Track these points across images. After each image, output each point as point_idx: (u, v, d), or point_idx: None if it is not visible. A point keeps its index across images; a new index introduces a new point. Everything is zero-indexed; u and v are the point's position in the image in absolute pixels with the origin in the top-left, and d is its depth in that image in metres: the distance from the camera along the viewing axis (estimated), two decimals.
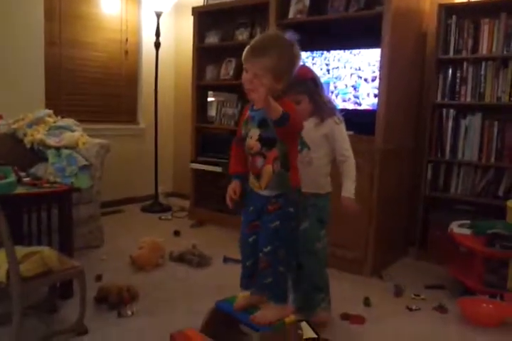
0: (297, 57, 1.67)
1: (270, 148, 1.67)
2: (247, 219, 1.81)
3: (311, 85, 2.02)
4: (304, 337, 1.88)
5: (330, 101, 2.11)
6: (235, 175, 1.83)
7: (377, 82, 2.80)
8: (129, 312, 2.19)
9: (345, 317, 2.21)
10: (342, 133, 2.05)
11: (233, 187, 1.80)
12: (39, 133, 3.15)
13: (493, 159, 2.90)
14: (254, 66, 1.61)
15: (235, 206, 1.81)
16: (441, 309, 2.36)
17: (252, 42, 1.64)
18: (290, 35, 1.66)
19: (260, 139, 1.68)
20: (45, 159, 3.06)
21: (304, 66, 2.17)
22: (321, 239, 2.10)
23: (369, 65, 2.89)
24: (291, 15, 3.28)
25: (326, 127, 2.03)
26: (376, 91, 2.81)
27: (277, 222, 1.69)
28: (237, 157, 1.82)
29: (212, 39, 3.95)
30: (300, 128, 1.69)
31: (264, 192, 1.70)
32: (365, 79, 2.92)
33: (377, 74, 2.81)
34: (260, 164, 1.70)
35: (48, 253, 1.87)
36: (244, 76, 1.64)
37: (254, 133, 1.69)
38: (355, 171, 2.05)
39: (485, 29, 2.89)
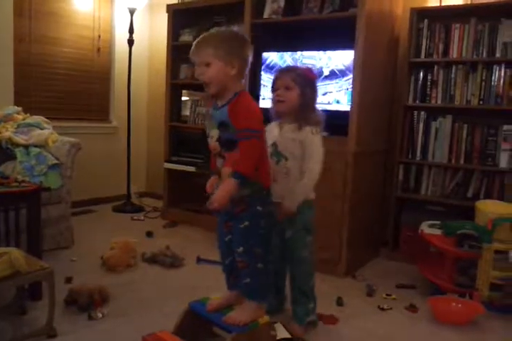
0: (242, 40, 1.68)
1: (230, 150, 1.65)
2: (222, 219, 1.81)
3: (308, 84, 2.00)
4: (278, 338, 1.88)
5: (317, 113, 2.05)
6: (212, 171, 1.83)
7: (350, 83, 2.83)
8: (100, 315, 2.15)
9: (319, 317, 2.22)
10: (315, 145, 1.99)
11: (210, 182, 1.81)
12: (7, 131, 3.07)
13: (462, 161, 2.96)
14: (200, 56, 1.64)
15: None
16: (412, 308, 2.40)
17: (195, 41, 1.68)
18: (236, 28, 1.72)
19: (219, 140, 1.67)
20: (14, 157, 2.98)
21: (309, 67, 2.18)
22: (308, 246, 2.08)
23: (342, 66, 2.91)
24: (266, 15, 3.28)
25: (302, 135, 1.98)
26: (349, 93, 2.83)
27: (246, 222, 1.69)
28: None
29: (186, 37, 3.92)
30: (257, 150, 1.62)
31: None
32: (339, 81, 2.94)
33: (350, 75, 2.84)
34: (220, 165, 1.71)
35: (15, 254, 1.82)
36: (196, 70, 1.67)
37: (214, 133, 1.69)
38: (310, 185, 2.00)
39: (455, 33, 2.94)
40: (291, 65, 2.16)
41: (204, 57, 1.63)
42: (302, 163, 2.00)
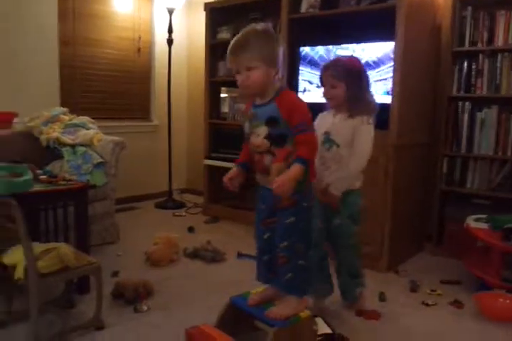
0: (271, 35, 1.65)
1: (281, 145, 1.65)
2: (259, 217, 1.81)
3: (354, 76, 2.00)
4: (319, 333, 1.87)
5: (369, 100, 2.05)
6: (237, 164, 1.84)
7: (391, 76, 2.77)
8: (145, 308, 2.21)
9: (360, 313, 2.20)
10: (363, 135, 2.00)
11: (230, 174, 1.83)
12: (54, 131, 3.18)
13: (509, 152, 2.85)
14: (239, 62, 1.63)
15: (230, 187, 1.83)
16: (457, 304, 2.34)
17: (229, 46, 1.66)
18: (260, 25, 1.68)
19: (269, 137, 1.66)
20: (61, 157, 3.09)
21: (353, 57, 2.17)
22: (353, 235, 2.11)
23: (375, 58, 2.85)
24: (303, 9, 3.26)
25: (353, 123, 2.00)
26: (390, 85, 2.77)
27: (293, 217, 1.69)
28: (245, 150, 1.84)
29: (224, 34, 3.94)
30: (316, 142, 1.65)
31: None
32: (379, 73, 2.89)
33: (391, 68, 2.78)
34: (268, 162, 1.69)
35: (64, 249, 1.89)
36: (238, 77, 1.66)
37: (261, 131, 1.67)
38: (354, 172, 2.02)
39: (500, 20, 2.83)
40: (334, 58, 2.14)
41: (245, 62, 1.62)
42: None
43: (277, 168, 1.66)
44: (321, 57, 3.13)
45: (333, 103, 2.05)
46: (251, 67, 1.61)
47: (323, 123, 2.08)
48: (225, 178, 1.83)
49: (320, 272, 2.19)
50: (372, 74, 2.87)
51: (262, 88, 1.65)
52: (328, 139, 2.03)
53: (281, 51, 1.66)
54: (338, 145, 2.01)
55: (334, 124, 2.05)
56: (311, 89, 3.20)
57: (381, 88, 2.85)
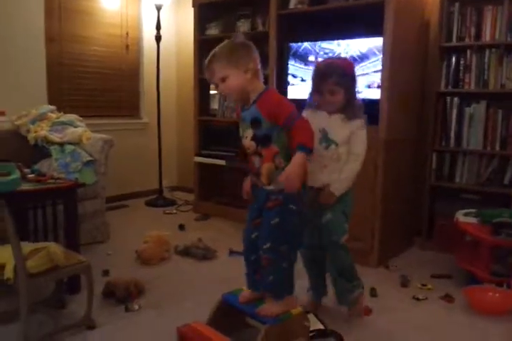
0: (245, 46, 1.72)
1: (267, 146, 1.68)
2: (250, 216, 1.82)
3: (349, 79, 2.00)
4: (311, 329, 1.88)
5: (360, 102, 2.06)
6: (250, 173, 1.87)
7: (373, 71, 2.78)
8: (136, 307, 2.20)
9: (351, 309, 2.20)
10: (362, 138, 2.02)
11: (246, 186, 1.87)
12: (42, 130, 3.15)
13: (498, 147, 2.88)
14: (215, 74, 1.70)
15: (248, 197, 1.86)
16: (448, 298, 2.36)
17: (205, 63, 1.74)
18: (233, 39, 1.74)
19: (254, 138, 1.70)
20: (49, 155, 3.06)
21: (346, 59, 2.15)
22: (345, 232, 2.08)
23: (367, 53, 2.85)
24: (291, 5, 3.25)
25: (352, 126, 2.00)
26: (379, 81, 2.78)
27: (277, 218, 1.69)
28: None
29: (213, 31, 3.92)
30: (309, 126, 1.67)
31: (270, 187, 1.70)
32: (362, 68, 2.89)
33: (374, 62, 2.79)
34: (257, 163, 1.72)
35: (54, 248, 1.88)
36: (217, 88, 1.74)
37: (249, 133, 1.72)
38: (353, 174, 2.02)
39: (488, 16, 2.85)
40: (328, 62, 2.08)
41: (219, 74, 1.69)
42: (348, 151, 2.03)
43: (266, 168, 1.68)
44: (306, 50, 3.13)
45: (332, 109, 2.01)
46: (224, 77, 1.68)
47: (316, 121, 1.99)
48: (246, 194, 1.88)
49: (319, 272, 2.20)
50: (356, 69, 2.87)
51: (243, 92, 1.70)
52: (326, 138, 2.01)
53: (255, 54, 1.72)
54: (336, 144, 2.00)
55: (331, 123, 2.01)
56: (295, 83, 3.22)
57: (363, 82, 2.85)
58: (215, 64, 1.69)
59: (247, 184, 1.87)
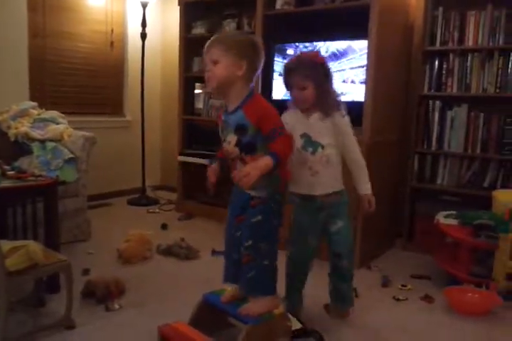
0: (256, 46, 1.67)
1: (252, 153, 1.65)
2: (233, 213, 1.81)
3: (319, 72, 1.91)
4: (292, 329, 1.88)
5: (336, 95, 2.00)
6: (216, 158, 1.85)
7: (364, 74, 2.80)
8: (117, 306, 2.18)
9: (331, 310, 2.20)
10: (348, 127, 1.97)
11: (211, 171, 1.83)
12: (23, 126, 3.10)
13: (478, 150, 2.92)
14: (210, 54, 1.64)
15: (213, 190, 1.83)
16: (427, 299, 2.39)
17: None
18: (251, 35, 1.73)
19: (239, 145, 1.66)
20: (30, 152, 3.02)
21: (315, 51, 2.10)
22: (352, 233, 2.10)
23: (350, 51, 2.88)
24: (278, 6, 3.25)
25: (334, 121, 1.94)
26: (354, 77, 2.82)
27: (259, 216, 1.69)
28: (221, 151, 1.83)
29: (199, 30, 3.90)
30: (291, 143, 1.67)
31: (252, 192, 1.70)
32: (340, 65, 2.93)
33: (364, 65, 2.81)
34: (240, 168, 1.67)
35: (33, 247, 1.85)
36: (205, 67, 1.68)
37: (232, 138, 1.67)
38: (364, 165, 2.02)
39: (471, 21, 2.89)
40: (295, 56, 2.03)
41: (213, 55, 1.64)
42: (337, 150, 1.97)
43: None
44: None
45: (305, 105, 1.95)
46: (216, 61, 1.63)
47: (296, 125, 1.96)
48: (212, 177, 1.83)
49: (302, 285, 2.14)
50: (334, 65, 2.91)
51: (224, 84, 1.65)
52: (310, 142, 1.94)
53: (260, 59, 1.68)
54: (322, 147, 1.94)
55: (312, 126, 1.95)
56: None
57: (339, 77, 2.90)
58: (217, 44, 1.64)
59: (212, 171, 1.82)
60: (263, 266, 1.73)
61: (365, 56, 2.78)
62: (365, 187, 2.01)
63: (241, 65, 1.63)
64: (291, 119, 1.97)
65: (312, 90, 1.90)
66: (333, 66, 2.89)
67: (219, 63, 1.62)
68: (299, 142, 1.94)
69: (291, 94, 1.98)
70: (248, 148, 1.66)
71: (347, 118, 1.99)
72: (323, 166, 1.95)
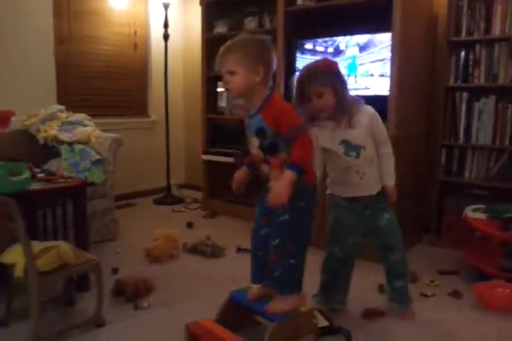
0: (265, 46, 1.69)
1: (275, 154, 1.67)
2: (261, 212, 1.82)
3: (334, 78, 1.92)
4: (319, 326, 1.88)
5: (353, 98, 1.98)
6: (243, 164, 1.88)
7: (382, 67, 2.77)
8: (146, 304, 2.22)
9: (364, 312, 2.16)
10: (375, 121, 1.98)
11: (238, 174, 1.86)
12: (52, 129, 3.18)
13: (507, 142, 2.85)
14: (225, 65, 1.66)
15: (240, 193, 1.86)
16: (456, 295, 2.35)
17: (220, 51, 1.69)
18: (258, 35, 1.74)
19: (261, 147, 1.69)
20: (59, 154, 3.09)
21: (328, 59, 2.07)
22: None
23: (380, 49, 2.85)
24: (299, 1, 3.24)
25: (361, 120, 1.94)
26: (373, 71, 2.79)
27: (286, 215, 1.69)
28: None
29: (220, 29, 3.92)
30: (310, 143, 1.65)
31: None
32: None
33: (388, 58, 2.77)
34: (266, 170, 1.72)
35: (64, 247, 1.89)
36: (223, 79, 1.70)
37: (255, 141, 1.70)
38: (393, 159, 2.05)
39: (497, 10, 2.82)
40: (306, 67, 2.00)
41: (228, 66, 1.65)
42: (374, 149, 2.00)
43: (274, 174, 1.67)
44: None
45: (325, 112, 1.93)
46: (233, 71, 1.64)
47: (329, 135, 1.97)
48: (236, 189, 1.86)
49: (347, 285, 2.17)
50: (364, 56, 2.92)
51: (245, 92, 1.67)
52: (351, 147, 1.95)
53: (274, 59, 1.69)
54: (364, 148, 1.96)
55: (346, 131, 1.95)
56: None
57: (360, 72, 2.93)
58: (230, 55, 1.65)
59: (239, 176, 1.84)
60: (290, 264, 1.73)
61: (385, 49, 2.75)
62: (389, 179, 2.04)
63: (258, 71, 1.65)
64: (321, 132, 1.98)
65: (330, 96, 1.90)
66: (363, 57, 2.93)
67: (236, 74, 1.64)
68: (340, 149, 1.97)
69: (308, 106, 1.95)
70: (270, 150, 1.67)
71: (370, 111, 1.98)
72: (369, 167, 1.99)
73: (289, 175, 1.58)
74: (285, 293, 1.76)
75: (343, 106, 1.92)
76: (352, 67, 2.98)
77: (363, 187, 2.01)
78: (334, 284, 2.16)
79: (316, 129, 1.99)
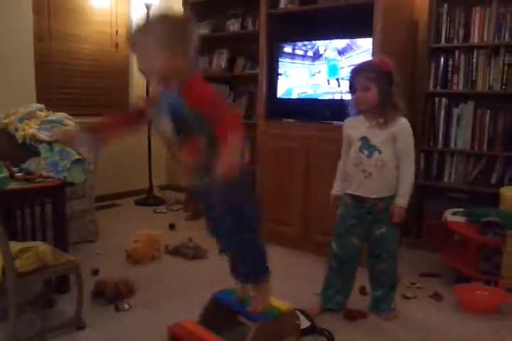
0: (185, 26, 1.52)
1: (190, 136, 1.54)
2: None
3: (385, 78, 1.94)
4: (301, 327, 1.89)
5: (399, 104, 1.99)
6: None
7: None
8: (127, 306, 2.20)
9: (346, 312, 2.18)
10: (407, 138, 1.98)
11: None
12: (31, 128, 3.11)
13: (485, 147, 2.91)
14: (139, 44, 1.49)
15: None
16: (436, 297, 2.38)
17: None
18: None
19: (177, 128, 1.55)
20: (38, 154, 3.03)
21: (384, 58, 2.07)
22: (397, 241, 2.14)
23: (357, 54, 2.88)
24: (282, 4, 3.25)
25: (393, 130, 1.95)
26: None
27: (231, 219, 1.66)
28: None
29: (203, 30, 3.92)
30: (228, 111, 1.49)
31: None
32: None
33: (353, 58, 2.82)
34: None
35: (42, 248, 1.86)
36: (137, 61, 1.52)
37: (165, 121, 1.56)
38: (413, 181, 2.01)
39: (476, 17, 2.88)
40: (364, 60, 2.09)
41: (144, 48, 1.47)
42: (393, 156, 1.98)
43: (187, 160, 1.60)
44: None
45: (365, 106, 1.98)
46: (150, 53, 1.47)
47: (356, 128, 2.03)
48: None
49: (344, 287, 2.18)
50: (343, 61, 2.95)
51: (164, 75, 1.51)
52: (368, 145, 1.98)
53: (192, 35, 1.51)
54: (380, 152, 1.97)
55: (371, 130, 1.98)
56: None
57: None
58: (142, 36, 1.47)
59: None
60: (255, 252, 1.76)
61: (364, 53, 2.78)
62: (399, 199, 2.01)
63: (176, 53, 1.47)
64: (350, 125, 2.06)
65: (375, 93, 1.94)
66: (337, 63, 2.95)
67: (154, 55, 1.46)
68: (357, 144, 2.00)
69: (353, 96, 2.01)
70: (186, 130, 1.54)
71: (409, 130, 1.99)
72: (378, 170, 1.98)
73: (235, 140, 1.38)
74: (263, 279, 1.78)
75: (383, 107, 1.95)
76: (333, 70, 3.01)
77: (365, 188, 2.01)
78: (331, 283, 2.18)
79: (351, 119, 2.07)
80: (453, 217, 2.65)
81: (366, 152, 1.99)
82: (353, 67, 2.05)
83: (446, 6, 2.96)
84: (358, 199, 2.05)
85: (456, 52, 2.96)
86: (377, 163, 1.97)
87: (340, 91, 2.97)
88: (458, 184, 3.02)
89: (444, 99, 3.04)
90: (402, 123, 1.98)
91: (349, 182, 2.07)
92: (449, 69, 3.00)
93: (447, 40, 2.98)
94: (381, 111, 1.96)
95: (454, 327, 2.11)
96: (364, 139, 2.00)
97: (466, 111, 2.97)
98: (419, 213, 3.16)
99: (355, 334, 2.03)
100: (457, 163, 3.04)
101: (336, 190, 2.17)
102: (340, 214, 2.13)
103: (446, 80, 3.02)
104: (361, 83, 1.94)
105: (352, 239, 2.10)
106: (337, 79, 3.00)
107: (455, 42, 2.96)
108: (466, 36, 2.93)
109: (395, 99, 1.97)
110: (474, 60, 2.90)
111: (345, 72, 2.93)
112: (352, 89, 2.00)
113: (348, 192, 2.08)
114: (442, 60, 3.01)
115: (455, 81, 2.98)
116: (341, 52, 2.95)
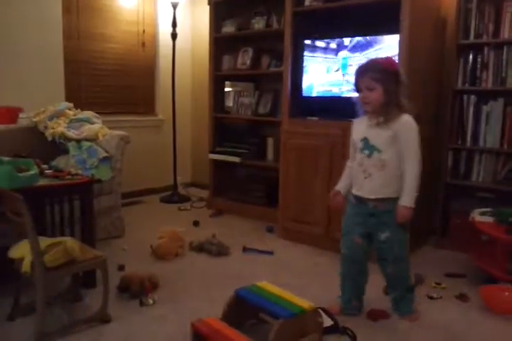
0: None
1: None
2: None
3: (390, 78, 1.92)
4: (324, 326, 1.88)
5: (404, 104, 1.96)
6: None
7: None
8: (151, 301, 2.23)
9: (369, 313, 2.16)
10: (410, 136, 1.93)
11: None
12: (60, 126, 3.19)
13: None
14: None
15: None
16: (462, 297, 2.34)
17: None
18: None
19: None
20: (66, 151, 3.10)
21: (391, 58, 2.07)
22: (406, 244, 2.09)
23: (388, 51, 2.84)
24: (307, 2, 3.24)
25: (394, 128, 1.93)
26: None
27: None
28: None
29: (228, 28, 3.93)
30: None
31: None
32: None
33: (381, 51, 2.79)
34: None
35: (70, 243, 1.90)
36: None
37: None
38: (418, 180, 1.96)
39: (507, 12, 2.81)
40: (369, 60, 2.05)
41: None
42: (395, 156, 1.95)
43: None
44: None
45: (370, 107, 1.97)
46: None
47: (359, 129, 2.04)
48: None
49: (355, 289, 2.17)
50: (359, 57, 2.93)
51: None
52: (368, 145, 1.98)
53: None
54: (379, 151, 1.95)
55: (371, 130, 1.98)
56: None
57: None
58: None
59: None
60: None
61: (392, 48, 2.75)
62: (403, 199, 1.97)
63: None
64: (354, 127, 2.09)
65: (380, 93, 1.92)
66: (357, 57, 2.94)
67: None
68: (359, 145, 2.01)
69: (359, 97, 2.00)
70: None
71: (413, 127, 1.95)
72: (378, 170, 1.96)
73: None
74: None
75: (387, 107, 1.93)
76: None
77: (367, 188, 2.00)
78: (344, 288, 2.18)
79: (356, 120, 2.08)
80: (481, 216, 2.59)
81: (367, 152, 1.98)
82: (358, 67, 2.01)
83: (475, 1, 2.89)
84: (360, 200, 2.04)
85: (486, 49, 2.89)
86: (377, 162, 1.96)
87: None
88: (486, 183, 2.96)
89: (472, 97, 2.97)
90: (404, 121, 1.94)
91: (354, 182, 2.08)
92: (478, 66, 2.93)
93: (476, 36, 2.92)
94: (385, 111, 1.94)
95: (480, 329, 2.07)
96: (365, 140, 1.99)
97: (495, 108, 2.90)
98: (445, 212, 3.11)
99: (376, 334, 2.01)
100: (486, 162, 2.98)
101: (339, 186, 2.17)
102: (346, 213, 2.14)
103: (475, 77, 2.95)
104: (366, 83, 1.93)
105: (355, 238, 2.08)
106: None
107: (484, 39, 2.89)
108: (496, 32, 2.86)
109: (400, 99, 1.94)
110: (504, 56, 2.83)
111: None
112: (357, 89, 1.99)
113: (353, 192, 2.08)
114: (471, 56, 2.95)
115: (484, 78, 2.92)
116: (364, 47, 2.92)
